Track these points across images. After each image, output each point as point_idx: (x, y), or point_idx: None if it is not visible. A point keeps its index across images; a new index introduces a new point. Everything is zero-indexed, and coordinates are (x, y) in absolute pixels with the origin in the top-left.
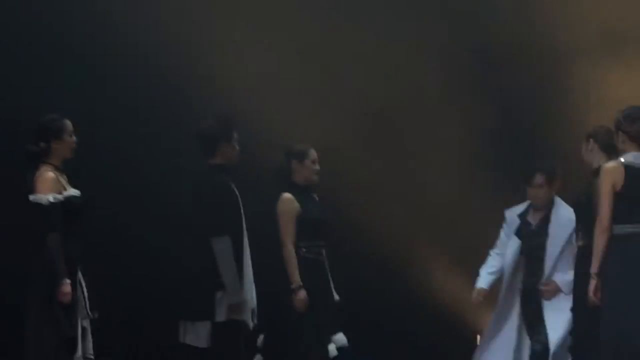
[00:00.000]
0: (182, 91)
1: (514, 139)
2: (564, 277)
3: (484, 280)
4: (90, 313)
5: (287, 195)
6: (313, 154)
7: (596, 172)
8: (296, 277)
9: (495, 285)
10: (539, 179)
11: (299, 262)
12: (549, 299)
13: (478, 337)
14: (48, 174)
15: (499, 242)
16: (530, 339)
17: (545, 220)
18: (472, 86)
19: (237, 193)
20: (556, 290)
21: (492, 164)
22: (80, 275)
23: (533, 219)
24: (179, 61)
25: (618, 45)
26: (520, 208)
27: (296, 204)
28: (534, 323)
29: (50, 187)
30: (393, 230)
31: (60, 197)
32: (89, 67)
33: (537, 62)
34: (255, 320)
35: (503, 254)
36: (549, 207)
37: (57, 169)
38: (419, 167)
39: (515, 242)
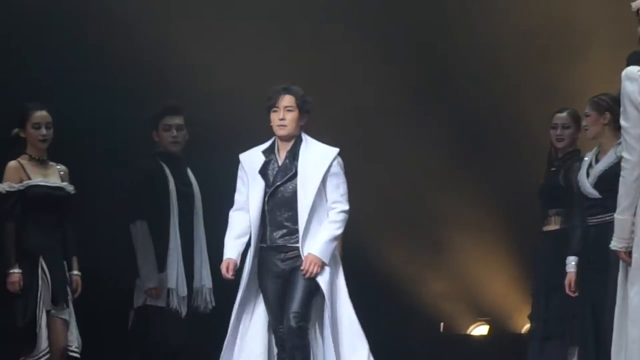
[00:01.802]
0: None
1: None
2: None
3: (232, 248)
4: (57, 304)
5: None
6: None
7: (573, 153)
8: None
9: None
10: None
11: None
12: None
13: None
14: (10, 164)
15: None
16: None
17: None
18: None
19: (169, 178)
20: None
21: (486, 177)
22: (43, 265)
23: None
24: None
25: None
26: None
27: None
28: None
29: (9, 177)
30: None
31: (16, 186)
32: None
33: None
34: (204, 305)
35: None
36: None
37: (32, 158)
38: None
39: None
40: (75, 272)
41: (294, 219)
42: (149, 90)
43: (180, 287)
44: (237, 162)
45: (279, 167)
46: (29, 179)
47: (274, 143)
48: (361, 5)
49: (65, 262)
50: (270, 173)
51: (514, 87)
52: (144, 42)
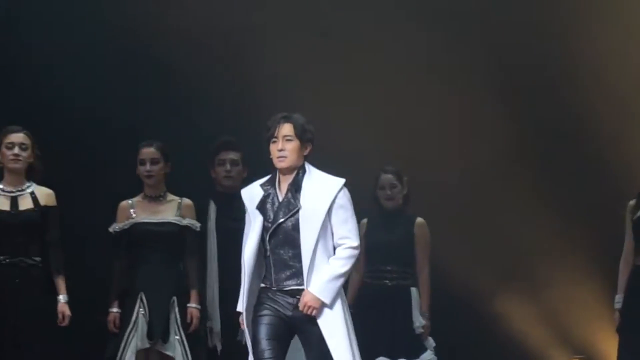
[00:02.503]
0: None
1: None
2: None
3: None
4: (152, 338)
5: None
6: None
7: None
8: None
9: None
10: None
11: None
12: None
13: None
14: (121, 203)
15: None
16: None
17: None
18: None
19: (210, 215)
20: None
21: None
22: (143, 301)
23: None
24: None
25: None
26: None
27: None
28: None
29: (118, 217)
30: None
31: (120, 225)
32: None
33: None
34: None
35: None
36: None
37: (146, 196)
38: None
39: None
40: (194, 305)
41: (300, 258)
42: None
43: (215, 322)
44: None
45: (279, 202)
46: (136, 216)
47: (274, 176)
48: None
49: (175, 297)
50: (270, 208)
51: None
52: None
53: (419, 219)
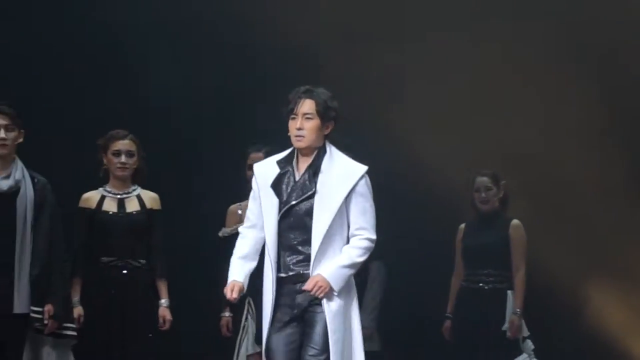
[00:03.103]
0: None
1: None
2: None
3: (238, 269)
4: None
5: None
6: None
7: None
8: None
9: None
10: None
11: None
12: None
13: None
14: (230, 207)
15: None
16: None
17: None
18: None
19: None
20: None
21: None
22: (251, 306)
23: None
24: None
25: None
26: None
27: None
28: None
29: (228, 221)
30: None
31: (229, 230)
32: None
33: None
34: None
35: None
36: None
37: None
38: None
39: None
40: None
41: (310, 244)
42: None
43: None
44: None
45: (295, 182)
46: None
47: (292, 153)
48: None
49: None
50: (285, 188)
51: None
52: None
53: (515, 221)
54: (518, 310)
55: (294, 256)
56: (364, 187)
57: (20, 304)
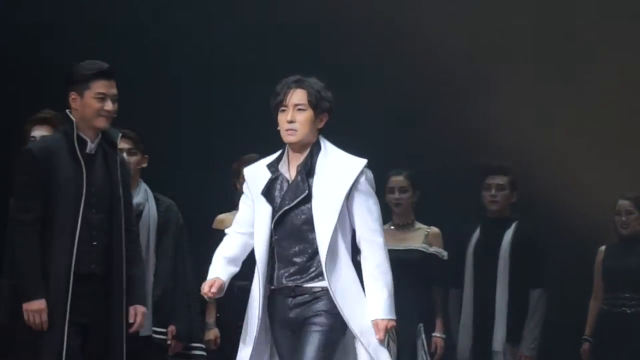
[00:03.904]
0: None
1: None
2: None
3: (221, 267)
4: None
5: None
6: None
7: None
8: None
9: None
10: None
11: None
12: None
13: None
14: None
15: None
16: None
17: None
18: None
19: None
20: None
21: None
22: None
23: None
24: None
25: None
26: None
27: None
28: None
29: None
30: None
31: None
32: None
33: None
34: None
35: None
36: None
37: (394, 224)
38: None
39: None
40: (438, 334)
41: (306, 254)
42: None
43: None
44: None
45: (288, 185)
46: None
47: (282, 154)
48: None
49: (422, 324)
50: (278, 194)
51: None
52: None
53: None
54: None
55: (289, 268)
56: (365, 183)
57: (144, 325)
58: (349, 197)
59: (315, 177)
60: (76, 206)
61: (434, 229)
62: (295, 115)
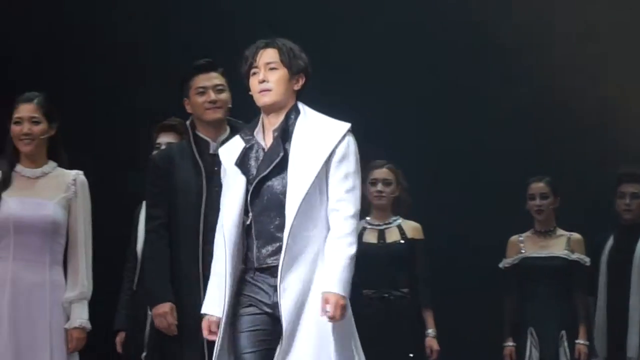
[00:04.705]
0: None
1: None
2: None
3: (214, 299)
4: None
5: None
6: None
7: None
8: None
9: None
10: None
11: None
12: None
13: None
14: (511, 238)
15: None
16: None
17: None
18: None
19: None
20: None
21: None
22: (533, 336)
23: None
24: None
25: None
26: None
27: None
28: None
29: (509, 251)
30: None
31: (509, 261)
32: None
33: None
34: None
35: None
36: None
37: (535, 231)
38: None
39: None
40: (582, 341)
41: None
42: None
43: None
44: None
45: (264, 152)
46: (525, 251)
47: (257, 121)
48: None
49: (564, 332)
50: (254, 164)
51: None
52: None
53: None
54: None
55: (270, 245)
56: (346, 148)
57: None
58: (327, 162)
59: (293, 141)
60: (196, 209)
61: (576, 235)
62: (267, 75)
